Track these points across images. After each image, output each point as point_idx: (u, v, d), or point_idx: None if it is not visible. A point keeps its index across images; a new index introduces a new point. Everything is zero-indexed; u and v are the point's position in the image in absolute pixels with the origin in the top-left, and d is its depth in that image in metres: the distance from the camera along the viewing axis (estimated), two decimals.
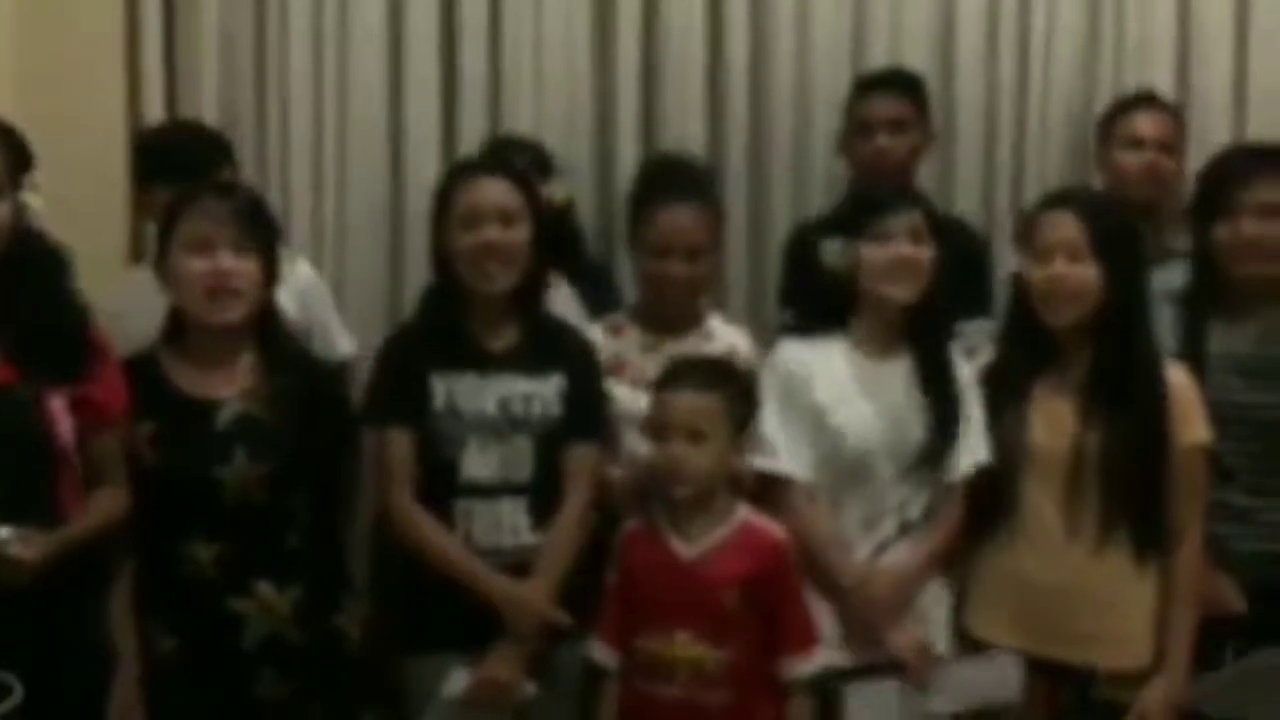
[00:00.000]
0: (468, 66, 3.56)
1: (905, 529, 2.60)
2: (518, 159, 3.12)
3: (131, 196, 3.21)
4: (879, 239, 2.56)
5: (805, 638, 2.48)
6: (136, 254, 3.33)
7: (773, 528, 2.49)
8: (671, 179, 2.83)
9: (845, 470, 2.58)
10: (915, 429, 2.58)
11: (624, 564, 2.53)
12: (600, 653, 2.52)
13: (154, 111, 3.39)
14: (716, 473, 2.45)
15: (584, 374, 2.64)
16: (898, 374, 2.62)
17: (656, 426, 2.47)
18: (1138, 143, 3.23)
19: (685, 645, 2.42)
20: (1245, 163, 2.78)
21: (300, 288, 3.01)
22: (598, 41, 3.59)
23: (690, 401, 2.43)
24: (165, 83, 3.43)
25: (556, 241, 3.16)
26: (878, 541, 2.59)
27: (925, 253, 2.58)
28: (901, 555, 2.58)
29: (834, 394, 2.58)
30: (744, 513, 2.49)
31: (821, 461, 2.58)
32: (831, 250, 2.63)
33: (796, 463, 2.56)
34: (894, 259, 2.56)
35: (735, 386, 2.49)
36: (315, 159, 3.53)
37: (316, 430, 2.46)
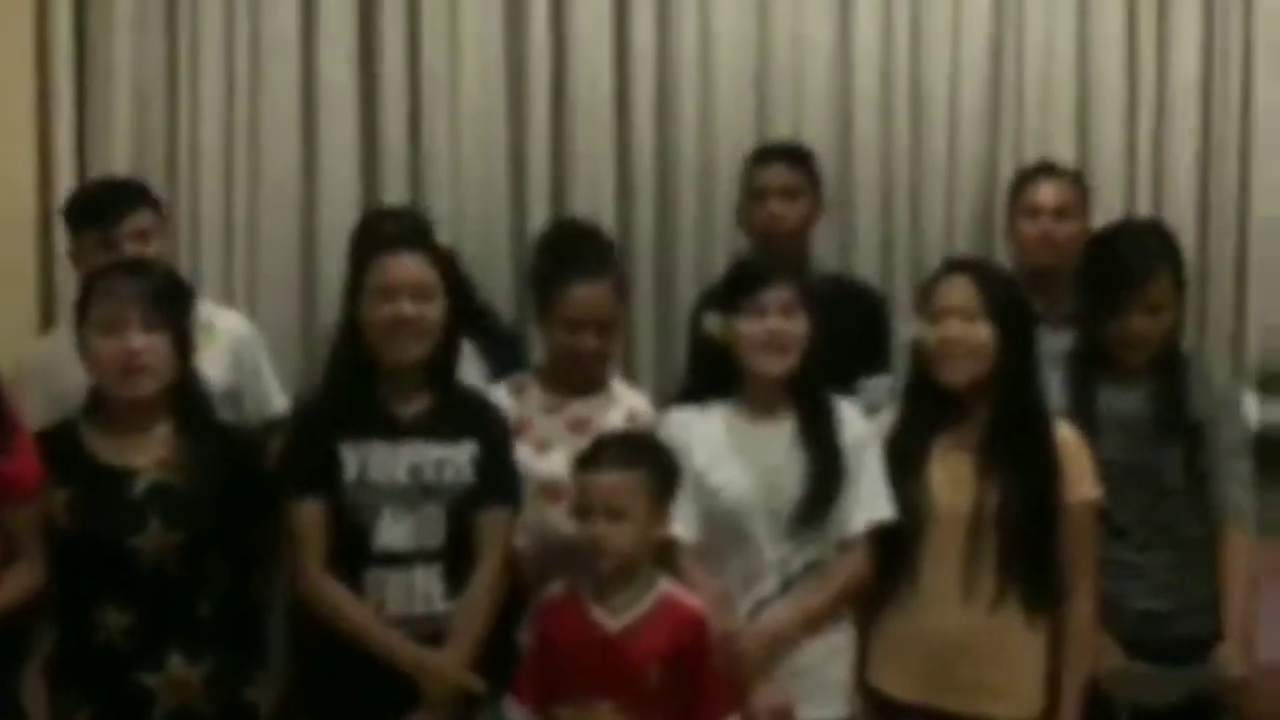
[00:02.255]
0: (386, 129, 3.62)
1: (787, 586, 2.65)
2: (394, 226, 3.16)
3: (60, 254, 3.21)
4: (753, 314, 2.65)
5: (721, 705, 2.51)
6: (48, 320, 3.32)
7: (692, 599, 2.53)
8: (579, 253, 2.87)
9: (723, 529, 2.64)
10: (792, 488, 2.65)
11: (543, 630, 2.55)
12: (517, 715, 2.53)
13: (64, 171, 3.39)
14: (638, 548, 2.49)
15: (495, 440, 2.65)
16: (779, 435, 2.69)
17: (579, 506, 2.50)
18: (1035, 211, 3.35)
19: (608, 719, 2.44)
20: (1138, 256, 2.85)
21: (233, 345, 3.03)
22: (512, 117, 3.66)
23: (609, 481, 2.46)
24: (76, 140, 3.44)
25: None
26: (757, 599, 2.64)
27: (797, 326, 2.66)
28: (777, 613, 2.63)
29: (711, 457, 2.66)
30: (665, 584, 2.53)
31: (701, 521, 2.64)
32: (712, 323, 2.73)
33: (682, 525, 2.61)
34: (766, 334, 2.65)
35: (655, 461, 2.53)
36: (226, 216, 3.55)
37: (233, 499, 2.47)
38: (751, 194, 3.38)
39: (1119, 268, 2.84)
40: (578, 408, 2.82)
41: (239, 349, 3.05)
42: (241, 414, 2.97)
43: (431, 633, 2.53)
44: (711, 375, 2.76)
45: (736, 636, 2.57)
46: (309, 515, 2.53)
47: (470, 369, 3.03)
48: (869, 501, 2.67)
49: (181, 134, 3.53)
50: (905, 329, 2.87)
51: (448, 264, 2.70)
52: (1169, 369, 2.87)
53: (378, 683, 2.49)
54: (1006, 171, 3.66)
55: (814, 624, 2.65)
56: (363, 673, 2.50)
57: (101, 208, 2.93)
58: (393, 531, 2.53)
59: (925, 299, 2.73)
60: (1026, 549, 2.62)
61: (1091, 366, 2.88)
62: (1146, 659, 2.77)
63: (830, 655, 2.68)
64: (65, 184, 3.38)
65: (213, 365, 2.87)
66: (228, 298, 3.49)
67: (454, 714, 2.53)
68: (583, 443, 2.63)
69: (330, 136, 3.59)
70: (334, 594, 2.52)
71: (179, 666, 2.41)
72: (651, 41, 3.67)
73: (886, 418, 2.79)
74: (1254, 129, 3.79)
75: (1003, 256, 3.50)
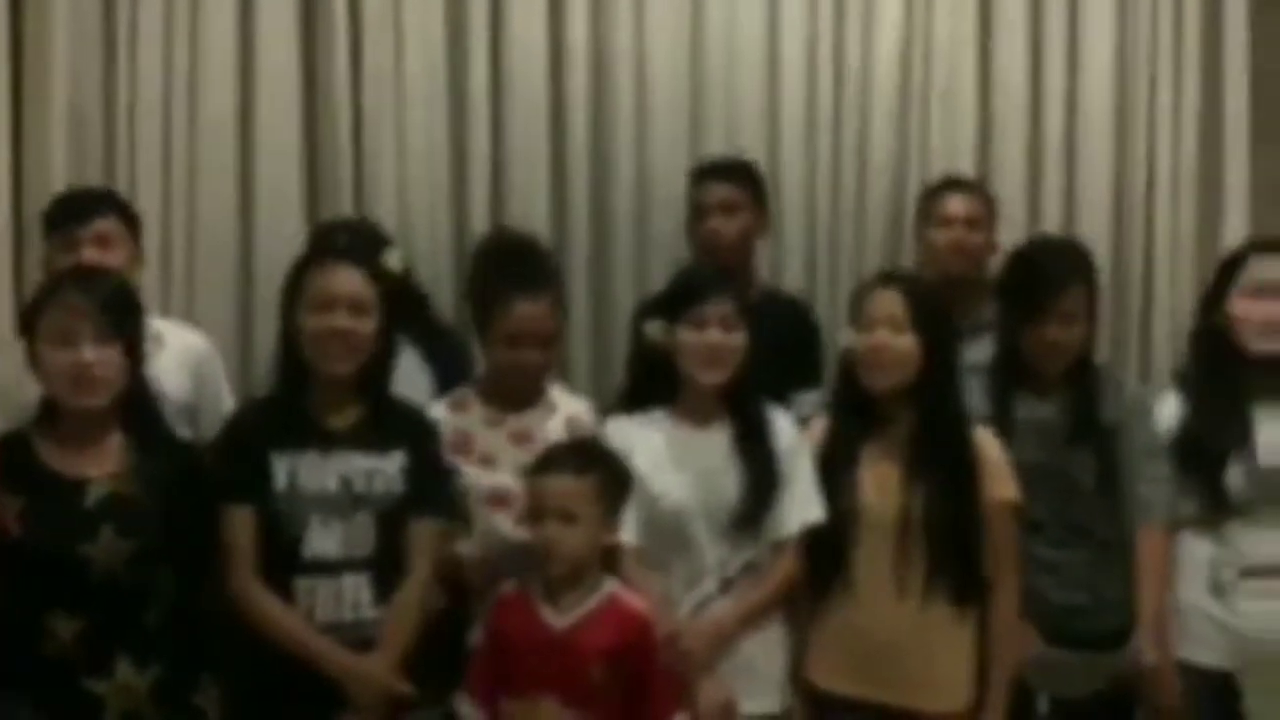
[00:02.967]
0: (327, 154, 3.62)
1: (726, 586, 2.74)
2: (343, 238, 3.15)
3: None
4: (693, 325, 2.75)
5: (669, 705, 2.58)
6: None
7: (638, 601, 2.59)
8: (519, 269, 2.89)
9: (665, 533, 2.72)
10: (730, 492, 2.74)
11: (494, 627, 2.61)
12: (468, 709, 2.59)
13: (0, 191, 3.36)
14: (588, 551, 2.55)
15: (425, 451, 2.69)
16: (717, 442, 2.79)
17: (531, 509, 2.56)
18: (947, 221, 3.47)
19: (551, 713, 2.51)
20: (1053, 270, 2.99)
21: (195, 363, 3.05)
22: (454, 130, 3.70)
23: (562, 485, 2.53)
24: (12, 160, 3.41)
25: (401, 308, 3.26)
26: (699, 599, 2.73)
27: (736, 339, 2.76)
28: (717, 611, 2.71)
29: (652, 462, 2.74)
30: (611, 586, 2.59)
31: (643, 526, 2.71)
32: (654, 329, 2.81)
33: (624, 529, 2.68)
34: (706, 346, 2.74)
35: (606, 469, 2.59)
36: (164, 237, 3.52)
37: (184, 510, 2.50)
38: (693, 210, 3.47)
39: (1036, 279, 2.98)
40: (518, 421, 2.86)
41: (200, 366, 3.07)
42: (199, 431, 2.97)
43: (360, 639, 2.57)
44: (650, 381, 2.84)
45: (680, 635, 2.65)
46: (239, 522, 2.56)
47: (418, 379, 3.08)
48: (802, 504, 2.77)
49: (119, 151, 3.51)
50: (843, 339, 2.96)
51: (395, 280, 2.73)
52: (1082, 379, 3.00)
53: (312, 687, 2.53)
54: (913, 189, 3.78)
55: (752, 621, 2.74)
56: (296, 677, 2.53)
57: (68, 210, 2.96)
58: (323, 540, 2.57)
59: (857, 309, 2.83)
60: (952, 548, 2.72)
61: (1010, 377, 3.01)
62: (1066, 650, 2.90)
63: (767, 650, 2.78)
64: (2, 205, 3.36)
65: (169, 380, 2.90)
66: (165, 311, 3.44)
67: (382, 718, 2.57)
68: (526, 455, 2.70)
69: (271, 148, 3.58)
70: (263, 600, 2.55)
71: (127, 674, 2.43)
72: (586, 48, 3.73)
73: (818, 426, 2.89)
74: (1158, 142, 3.94)
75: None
